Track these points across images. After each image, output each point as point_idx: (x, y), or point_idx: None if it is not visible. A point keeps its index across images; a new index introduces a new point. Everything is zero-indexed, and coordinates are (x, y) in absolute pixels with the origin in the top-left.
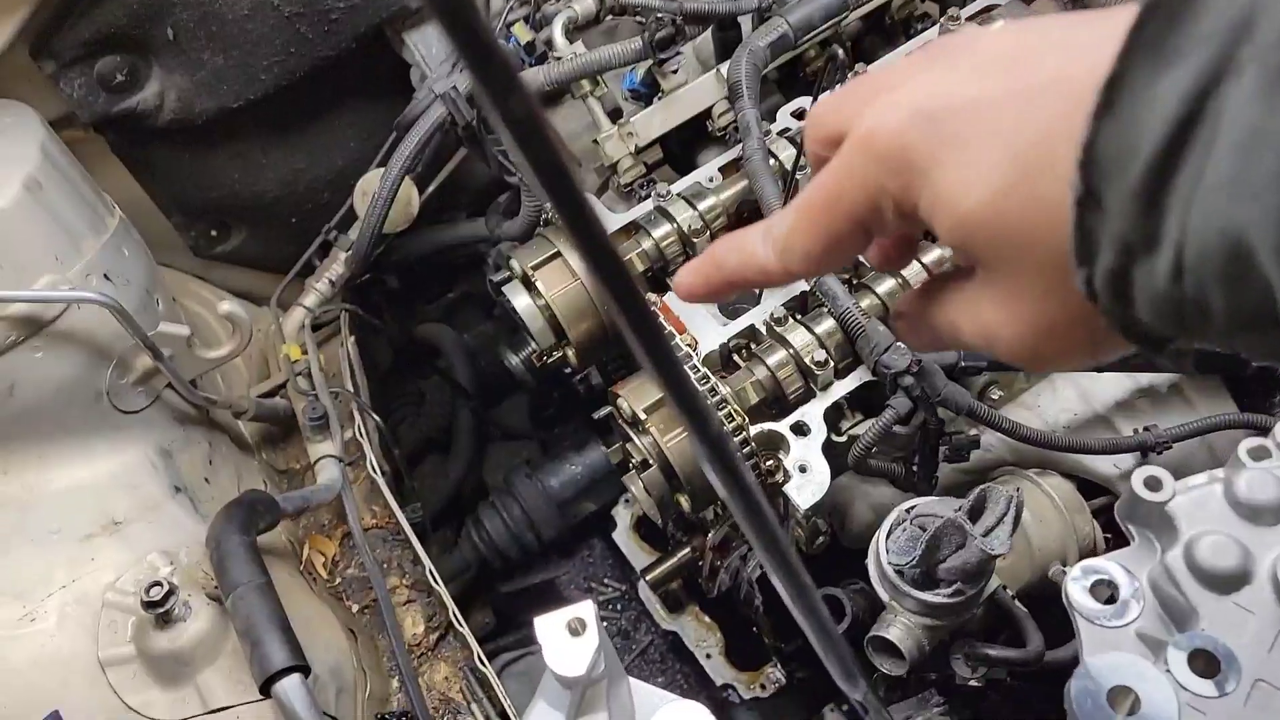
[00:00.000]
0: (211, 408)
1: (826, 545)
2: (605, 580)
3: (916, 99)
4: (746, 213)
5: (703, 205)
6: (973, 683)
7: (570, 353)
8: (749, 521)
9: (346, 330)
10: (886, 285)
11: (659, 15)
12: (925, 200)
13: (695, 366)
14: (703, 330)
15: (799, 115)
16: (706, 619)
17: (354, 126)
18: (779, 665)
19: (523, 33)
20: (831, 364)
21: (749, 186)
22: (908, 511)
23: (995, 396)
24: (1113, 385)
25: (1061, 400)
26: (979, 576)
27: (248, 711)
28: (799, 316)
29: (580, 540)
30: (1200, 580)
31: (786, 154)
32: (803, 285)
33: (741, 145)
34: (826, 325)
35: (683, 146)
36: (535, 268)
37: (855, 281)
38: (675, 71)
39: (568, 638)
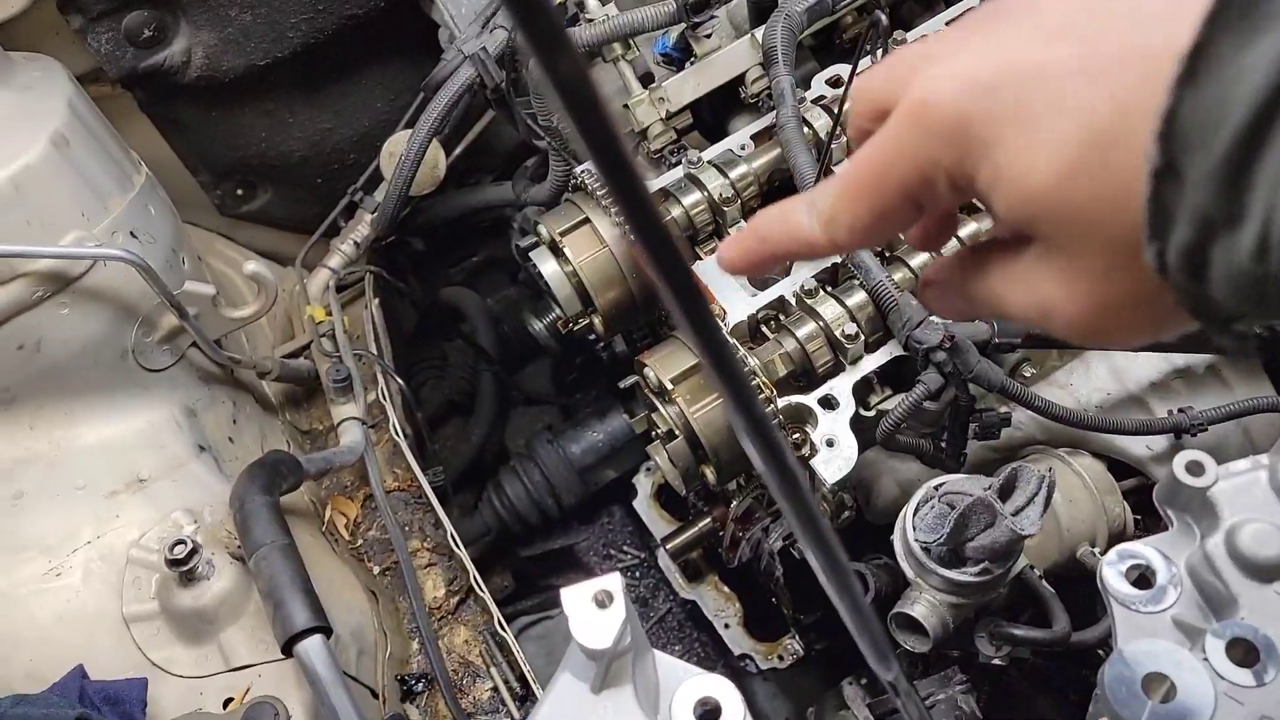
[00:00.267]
0: (236, 367)
1: (851, 520)
2: (624, 548)
3: (974, 67)
4: (779, 181)
5: (734, 173)
6: (996, 661)
7: (597, 320)
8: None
9: (371, 292)
10: (920, 257)
11: None
12: (985, 174)
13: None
14: (731, 301)
15: (834, 83)
16: (726, 589)
17: (381, 87)
18: (797, 637)
19: None
20: (862, 337)
21: (781, 155)
22: (936, 489)
23: (1028, 374)
24: (1147, 365)
25: (1095, 379)
26: (1007, 556)
27: (270, 670)
28: (829, 289)
29: (600, 507)
30: (1241, 568)
31: (821, 123)
32: (835, 257)
33: (775, 113)
34: (858, 298)
35: (714, 113)
36: (564, 234)
37: (888, 254)
38: (709, 36)
39: (594, 610)
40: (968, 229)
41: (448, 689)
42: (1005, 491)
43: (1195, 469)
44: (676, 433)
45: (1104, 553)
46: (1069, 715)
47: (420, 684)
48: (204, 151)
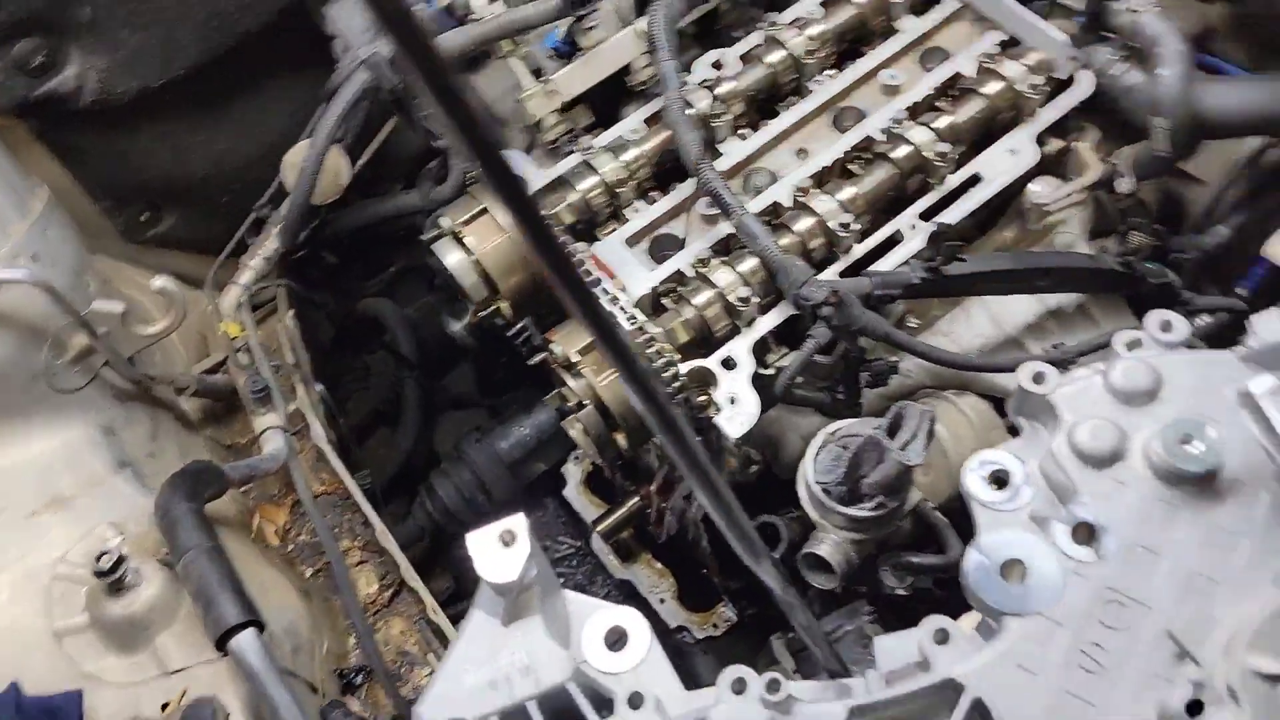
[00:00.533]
0: (151, 384)
1: (760, 473)
2: (560, 538)
3: None
4: (669, 163)
5: (626, 156)
6: (900, 592)
7: (504, 306)
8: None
9: (285, 305)
10: (804, 223)
11: None
12: None
13: (624, 309)
14: (632, 276)
15: (717, 65)
16: (658, 565)
17: (282, 102)
18: (729, 604)
19: None
20: (755, 300)
21: (670, 137)
22: (832, 434)
23: (912, 325)
24: (1023, 308)
25: (974, 325)
26: (899, 489)
27: (205, 671)
28: (723, 258)
29: (535, 501)
30: (1081, 460)
31: (705, 103)
32: (726, 228)
33: (661, 97)
34: (749, 264)
35: (608, 102)
36: (464, 224)
37: (774, 222)
38: (594, 28)
39: (500, 548)
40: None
41: (387, 678)
42: (893, 429)
43: (1039, 378)
44: (586, 403)
45: None
46: None
47: (359, 676)
48: (104, 177)
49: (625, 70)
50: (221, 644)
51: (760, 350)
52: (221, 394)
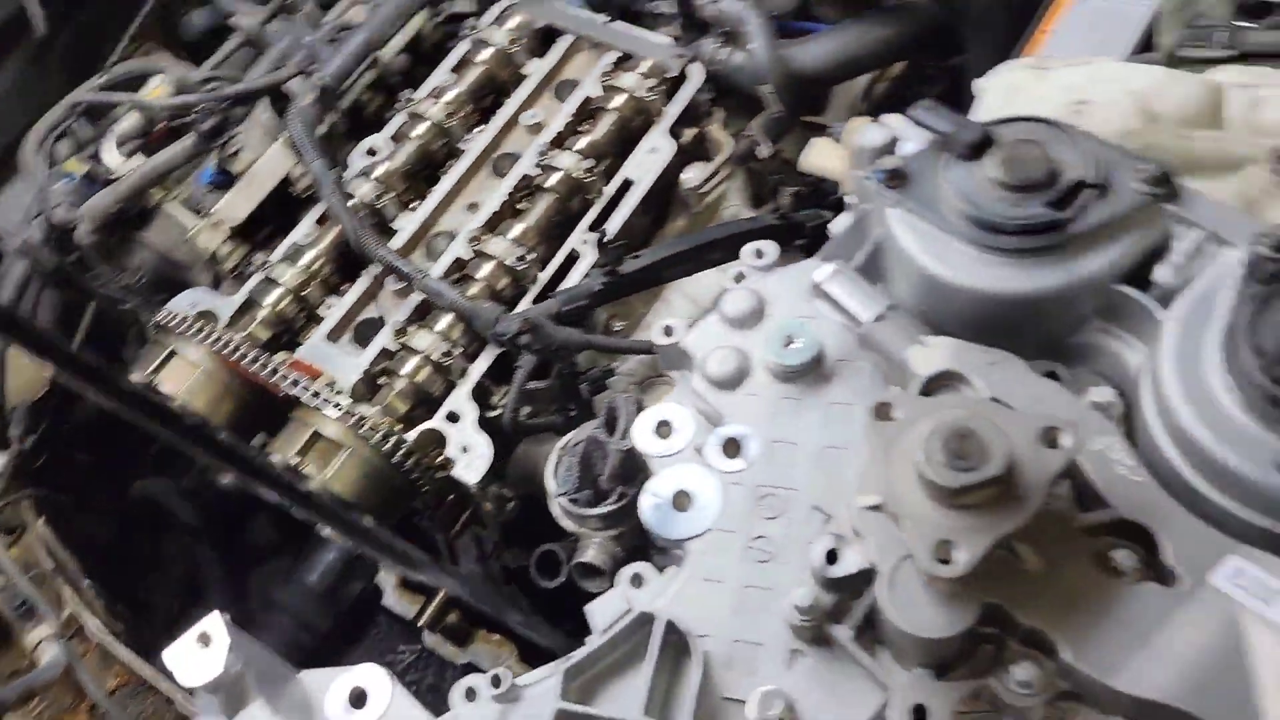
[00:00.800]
0: None
1: (517, 510)
2: (400, 649)
3: None
4: (352, 254)
5: (304, 260)
6: None
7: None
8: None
9: (33, 515)
10: (485, 269)
11: (199, 110)
12: None
13: (328, 401)
14: (340, 368)
15: (371, 152)
16: (495, 637)
17: None
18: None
19: (77, 165)
20: (458, 352)
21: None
22: (562, 448)
23: (618, 327)
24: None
25: (676, 309)
26: (633, 475)
27: None
28: (420, 323)
29: (366, 620)
30: (717, 387)
31: (365, 189)
32: (418, 296)
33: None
34: (444, 321)
35: (285, 215)
36: (154, 373)
37: (460, 276)
38: (240, 151)
39: (198, 650)
40: None
41: None
42: (611, 424)
43: (668, 331)
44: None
45: None
46: None
47: None
48: None
49: (287, 181)
50: None
51: (482, 395)
52: None
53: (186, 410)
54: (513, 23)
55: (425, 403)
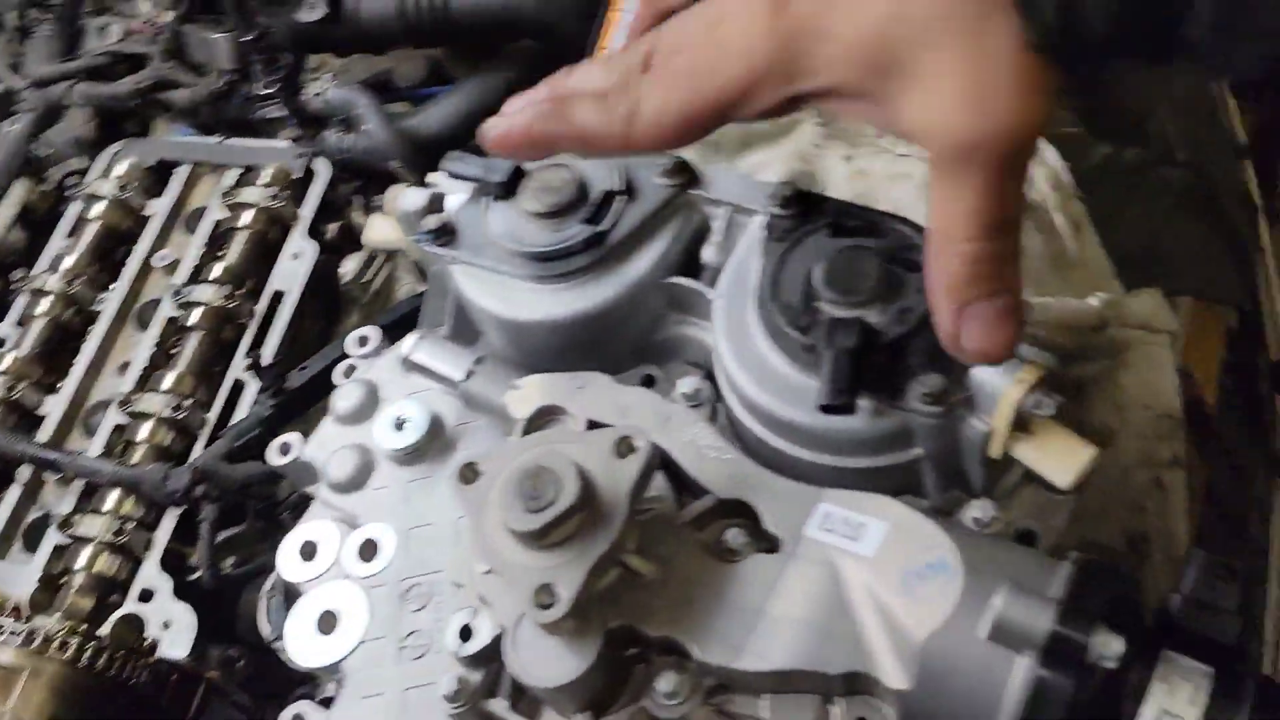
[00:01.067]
0: None
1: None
2: None
3: None
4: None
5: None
6: None
7: None
8: None
9: None
10: (145, 429)
11: None
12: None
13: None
14: (13, 581)
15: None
16: None
17: None
18: None
19: None
20: (131, 526)
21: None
22: (266, 591)
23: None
24: None
25: None
26: None
27: None
28: (83, 508)
29: None
30: (344, 491)
31: None
32: (81, 482)
33: None
34: (112, 498)
35: None
36: None
37: (123, 443)
38: None
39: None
40: None
41: None
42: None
43: (284, 449)
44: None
45: None
46: None
47: None
48: None
49: None
50: None
51: (179, 561)
52: None
53: None
54: (120, 169)
55: (114, 589)
